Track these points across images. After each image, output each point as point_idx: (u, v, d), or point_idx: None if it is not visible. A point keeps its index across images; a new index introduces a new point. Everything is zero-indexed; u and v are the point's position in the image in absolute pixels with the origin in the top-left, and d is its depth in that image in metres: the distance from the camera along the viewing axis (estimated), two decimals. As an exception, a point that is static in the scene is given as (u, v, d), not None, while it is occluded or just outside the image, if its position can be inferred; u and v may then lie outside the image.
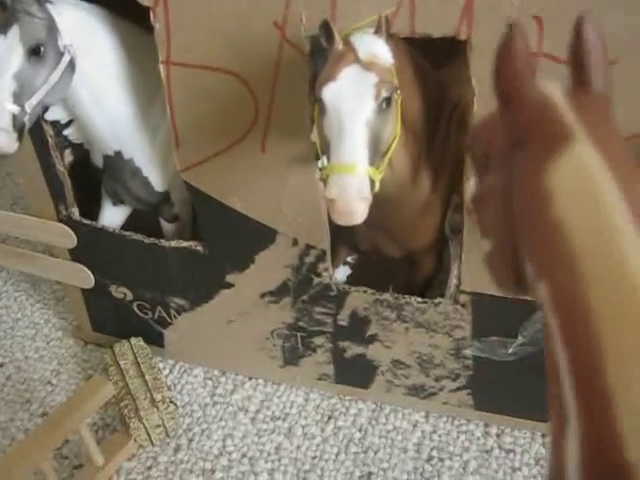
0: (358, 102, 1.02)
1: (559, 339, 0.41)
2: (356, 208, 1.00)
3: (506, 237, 0.47)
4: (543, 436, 1.57)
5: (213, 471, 1.57)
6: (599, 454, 0.39)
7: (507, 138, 0.47)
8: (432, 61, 1.36)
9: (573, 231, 0.41)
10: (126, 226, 1.64)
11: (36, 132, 1.43)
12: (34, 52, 1.17)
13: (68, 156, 1.56)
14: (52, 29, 1.20)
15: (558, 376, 0.42)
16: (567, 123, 0.44)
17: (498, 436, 1.59)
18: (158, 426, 1.59)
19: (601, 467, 0.39)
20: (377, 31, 1.05)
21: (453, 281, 1.38)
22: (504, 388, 1.52)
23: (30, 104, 1.19)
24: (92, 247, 1.63)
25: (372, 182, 1.03)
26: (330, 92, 1.03)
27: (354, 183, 0.99)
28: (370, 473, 1.55)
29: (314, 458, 1.59)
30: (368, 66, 1.03)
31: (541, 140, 0.44)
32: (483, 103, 1.10)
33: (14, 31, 1.16)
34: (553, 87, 0.47)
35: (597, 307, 0.39)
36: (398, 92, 1.08)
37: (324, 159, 1.06)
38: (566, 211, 0.42)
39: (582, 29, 0.47)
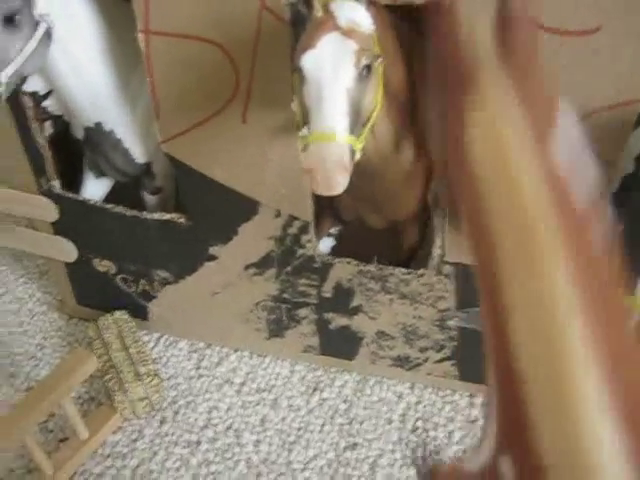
0: (337, 70, 1.00)
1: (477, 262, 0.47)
2: (336, 178, 0.98)
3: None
4: (527, 406, 1.58)
5: (198, 443, 1.58)
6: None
7: (435, 75, 0.50)
8: (417, 27, 1.35)
9: (484, 180, 0.46)
10: (109, 199, 1.63)
11: (15, 104, 1.41)
12: (9, 21, 1.14)
13: (48, 128, 1.53)
14: (27, -3, 1.17)
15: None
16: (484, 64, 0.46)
17: (483, 406, 1.60)
18: (143, 399, 1.59)
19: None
20: (357, -3, 1.03)
21: (437, 252, 1.37)
22: (488, 358, 1.52)
23: (6, 74, 1.16)
24: (74, 220, 1.61)
25: (352, 151, 1.01)
26: (309, 60, 1.01)
27: (333, 152, 0.98)
28: (355, 444, 1.56)
29: (299, 429, 1.59)
30: (348, 33, 1.01)
31: (457, 80, 0.47)
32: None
33: None
34: (483, 25, 0.49)
35: (497, 230, 0.45)
36: (379, 60, 1.06)
37: (304, 129, 1.05)
38: (479, 166, 0.46)
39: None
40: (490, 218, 0.45)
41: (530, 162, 0.44)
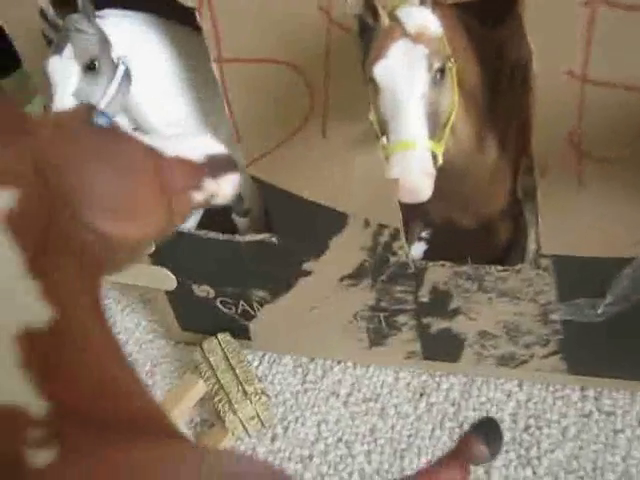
0: (411, 77, 0.99)
1: None
2: (421, 185, 0.98)
3: None
4: (644, 395, 1.53)
5: (311, 457, 1.59)
6: None
7: None
8: (487, 20, 1.33)
9: None
10: (201, 225, 1.67)
11: (103, 144, 1.46)
12: (89, 67, 1.20)
13: (137, 163, 1.59)
14: (104, 43, 1.22)
15: None
16: None
17: (596, 399, 1.55)
18: (253, 418, 1.61)
19: None
20: (422, 2, 1.02)
21: (532, 246, 1.34)
22: (597, 349, 1.48)
23: (92, 118, 1.21)
24: (171, 250, 1.65)
25: (434, 156, 1.00)
26: (381, 70, 1.01)
27: (416, 160, 0.97)
28: (468, 447, 1.54)
29: (410, 436, 1.58)
30: (417, 39, 1.00)
31: None
32: (541, 60, 1.06)
33: (68, 50, 1.18)
34: None
35: None
36: (452, 61, 1.05)
37: (384, 138, 1.04)
38: None
39: None
40: None
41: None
